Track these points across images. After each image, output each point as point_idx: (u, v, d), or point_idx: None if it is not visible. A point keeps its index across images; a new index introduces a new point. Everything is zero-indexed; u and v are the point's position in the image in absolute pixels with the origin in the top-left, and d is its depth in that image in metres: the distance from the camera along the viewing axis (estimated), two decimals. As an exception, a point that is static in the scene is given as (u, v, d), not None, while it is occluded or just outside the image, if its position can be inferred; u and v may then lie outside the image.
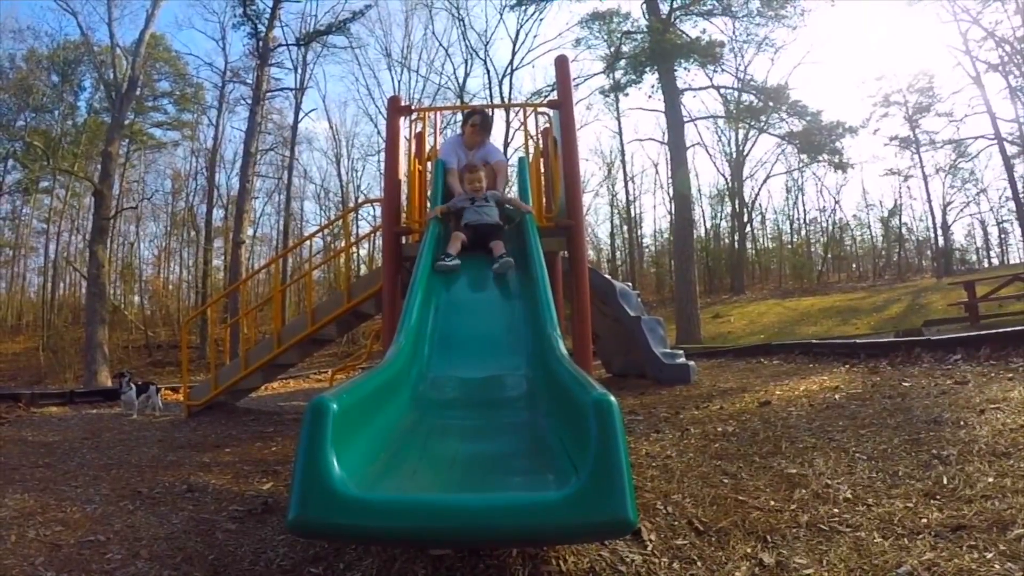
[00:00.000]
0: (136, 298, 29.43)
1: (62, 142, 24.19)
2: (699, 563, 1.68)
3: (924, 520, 1.76)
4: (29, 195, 26.38)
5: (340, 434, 1.46)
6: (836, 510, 1.93)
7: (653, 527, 1.93)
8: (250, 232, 23.59)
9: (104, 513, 2.57)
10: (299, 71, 24.25)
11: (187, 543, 2.17)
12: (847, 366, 5.06)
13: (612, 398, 1.43)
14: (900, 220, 31.42)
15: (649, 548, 1.78)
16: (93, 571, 1.91)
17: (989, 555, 1.51)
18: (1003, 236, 31.61)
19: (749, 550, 1.71)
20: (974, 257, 31.85)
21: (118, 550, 2.10)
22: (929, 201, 28.84)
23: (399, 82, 27.56)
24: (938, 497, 1.92)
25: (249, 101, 19.71)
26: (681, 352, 6.48)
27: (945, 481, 2.03)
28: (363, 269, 21.75)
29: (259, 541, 2.15)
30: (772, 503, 2.05)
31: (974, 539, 1.60)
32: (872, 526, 1.77)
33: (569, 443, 1.64)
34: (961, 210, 30.35)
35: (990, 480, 1.97)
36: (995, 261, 30.75)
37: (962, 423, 2.63)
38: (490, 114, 4.81)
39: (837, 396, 3.73)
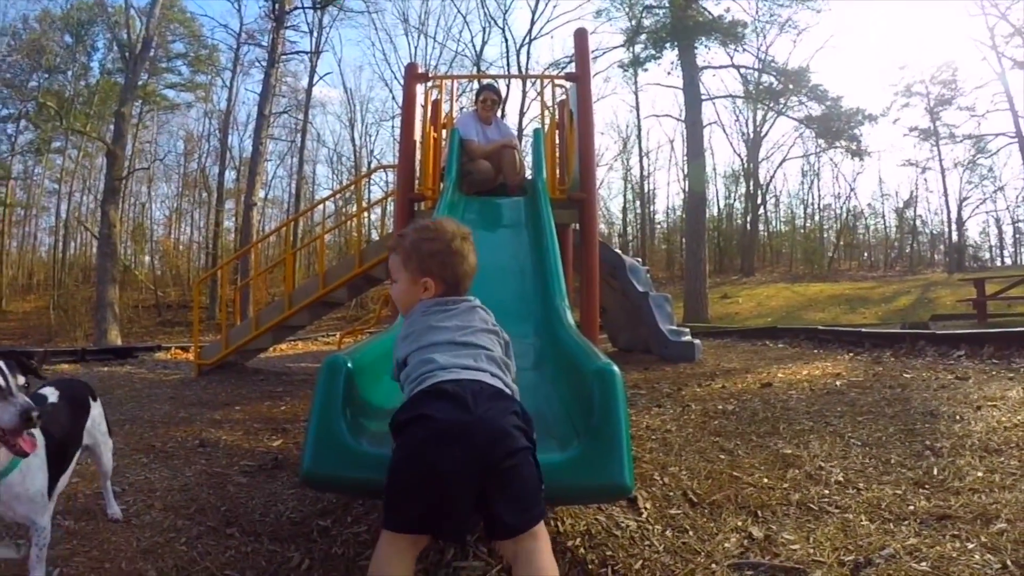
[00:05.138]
0: (147, 258, 29.67)
1: (75, 103, 24.09)
2: (691, 532, 1.74)
3: (911, 507, 1.80)
4: (41, 155, 26.42)
5: (353, 391, 1.51)
6: (827, 491, 1.98)
7: (649, 496, 1.99)
8: (262, 195, 23.59)
9: (119, 466, 2.62)
10: (315, 34, 24.08)
11: (200, 495, 2.25)
12: (851, 354, 5.09)
13: (615, 368, 1.47)
14: (915, 212, 31.13)
15: (644, 516, 1.84)
16: (109, 518, 1.98)
17: (971, 545, 1.54)
18: (1017, 236, 31.27)
19: (740, 523, 1.77)
20: (987, 255, 31.53)
21: (133, 500, 2.17)
22: (945, 195, 28.49)
23: (415, 48, 27.39)
24: (927, 487, 1.96)
25: (264, 64, 19.61)
26: (687, 330, 6.51)
27: (935, 472, 2.07)
28: (374, 234, 21.79)
29: (269, 494, 2.23)
30: (765, 481, 2.11)
31: (958, 529, 1.64)
32: (860, 509, 1.82)
33: (573, 409, 1.69)
34: (977, 206, 30.00)
35: (979, 475, 2.02)
36: (1008, 260, 30.42)
37: (958, 417, 2.68)
38: (499, 88, 4.93)
39: (838, 383, 3.78)
